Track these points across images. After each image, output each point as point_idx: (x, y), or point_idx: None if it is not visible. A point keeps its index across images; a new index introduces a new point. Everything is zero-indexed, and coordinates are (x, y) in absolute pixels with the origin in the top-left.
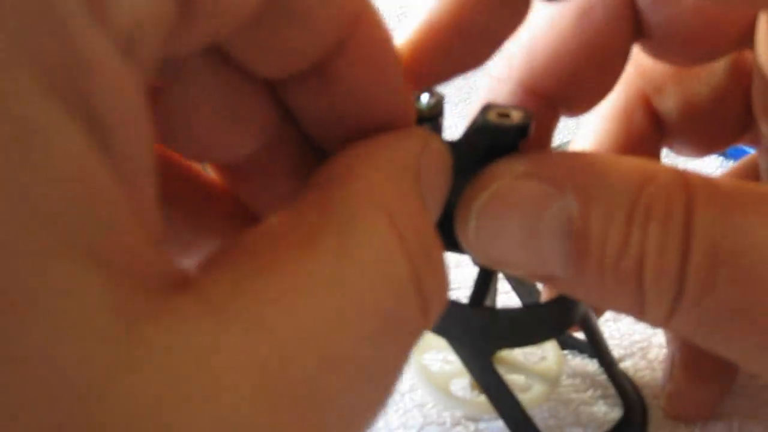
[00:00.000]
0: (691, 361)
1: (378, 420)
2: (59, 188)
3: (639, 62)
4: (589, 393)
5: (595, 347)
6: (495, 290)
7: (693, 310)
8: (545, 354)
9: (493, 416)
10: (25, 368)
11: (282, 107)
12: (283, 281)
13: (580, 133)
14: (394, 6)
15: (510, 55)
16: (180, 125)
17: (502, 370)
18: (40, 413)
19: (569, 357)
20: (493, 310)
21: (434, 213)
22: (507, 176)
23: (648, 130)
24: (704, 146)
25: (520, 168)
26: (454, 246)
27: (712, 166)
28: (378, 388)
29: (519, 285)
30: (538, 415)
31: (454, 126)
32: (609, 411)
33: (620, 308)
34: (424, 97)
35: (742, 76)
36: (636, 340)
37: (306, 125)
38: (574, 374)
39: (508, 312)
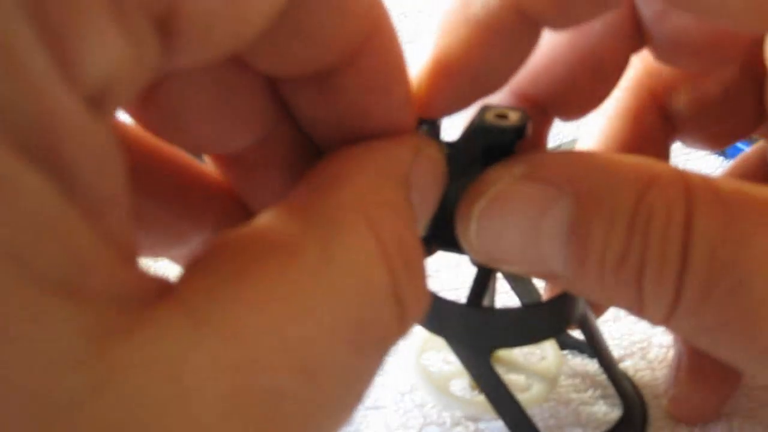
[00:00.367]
0: (698, 363)
1: (378, 420)
2: (22, 228)
3: (648, 61)
4: (589, 393)
5: (594, 347)
6: (493, 290)
7: (690, 316)
8: (545, 354)
9: (493, 416)
10: None
11: (281, 101)
12: (262, 287)
13: (586, 131)
14: (395, 7)
15: None
16: (175, 117)
17: (501, 370)
18: None
19: (569, 357)
20: (491, 310)
21: (424, 219)
22: (507, 178)
23: (657, 129)
24: (716, 140)
25: (519, 170)
26: (454, 246)
27: (712, 166)
28: (350, 395)
29: (518, 285)
30: (537, 414)
31: (453, 126)
32: (609, 411)
33: (620, 306)
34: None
35: (755, 70)
36: (636, 340)
37: (304, 123)
38: (574, 374)
39: (507, 312)
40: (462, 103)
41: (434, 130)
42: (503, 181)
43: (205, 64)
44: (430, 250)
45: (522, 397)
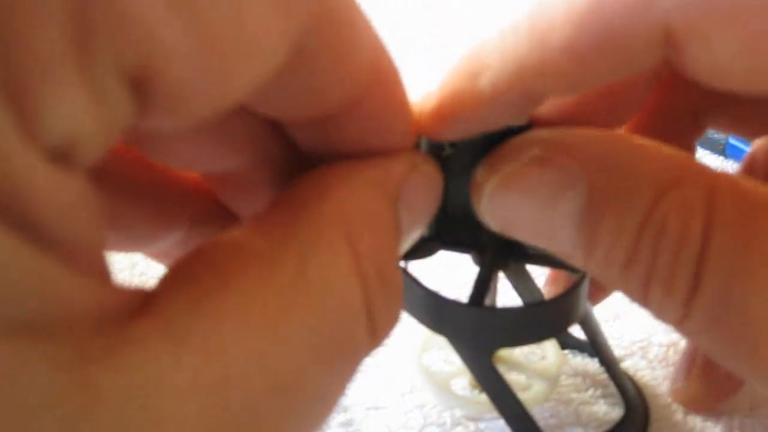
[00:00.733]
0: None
1: (378, 420)
2: None
3: None
4: (590, 392)
5: (596, 346)
6: (495, 290)
7: (698, 332)
8: (545, 353)
9: (494, 416)
10: None
11: (273, 125)
12: (241, 301)
13: None
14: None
15: None
16: (160, 144)
17: (502, 370)
18: None
19: (570, 356)
20: (492, 309)
21: (413, 234)
22: (522, 159)
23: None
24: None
25: (534, 151)
26: (456, 245)
27: (712, 166)
28: (321, 408)
29: (520, 284)
30: (538, 414)
31: None
32: (609, 410)
33: (627, 296)
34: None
35: None
36: (636, 340)
37: (300, 145)
38: (575, 374)
39: (508, 311)
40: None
41: None
42: (518, 161)
43: (185, 127)
44: (431, 250)
45: (522, 397)
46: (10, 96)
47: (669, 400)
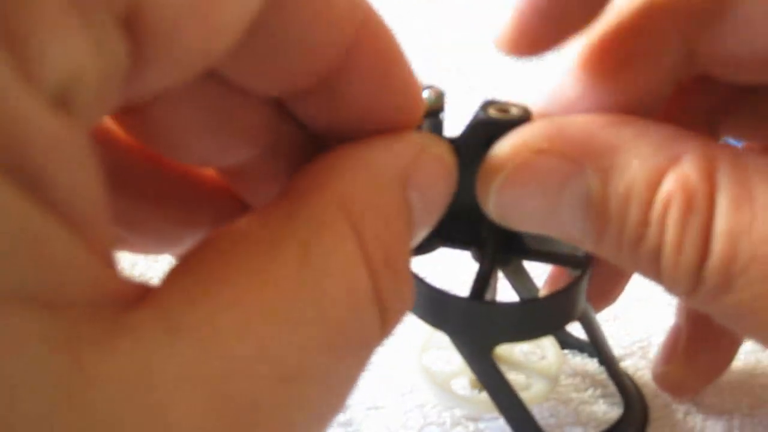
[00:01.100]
0: (696, 345)
1: (378, 420)
2: None
3: None
4: (589, 392)
5: (595, 343)
6: (495, 287)
7: (710, 302)
8: (545, 353)
9: (494, 416)
10: None
11: (282, 110)
12: (241, 290)
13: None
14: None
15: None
16: (169, 136)
17: (502, 369)
18: None
19: (569, 356)
20: (492, 303)
21: (431, 221)
22: (526, 151)
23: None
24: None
25: (538, 142)
26: (455, 242)
27: None
28: (330, 400)
29: (519, 283)
30: (537, 414)
31: (455, 122)
32: (609, 410)
33: (642, 275)
34: (425, 93)
35: None
36: (636, 340)
37: (309, 126)
38: (574, 373)
39: (508, 305)
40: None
41: (437, 125)
42: (521, 154)
43: (183, 78)
44: (431, 246)
45: (522, 396)
46: (7, 39)
47: (669, 399)
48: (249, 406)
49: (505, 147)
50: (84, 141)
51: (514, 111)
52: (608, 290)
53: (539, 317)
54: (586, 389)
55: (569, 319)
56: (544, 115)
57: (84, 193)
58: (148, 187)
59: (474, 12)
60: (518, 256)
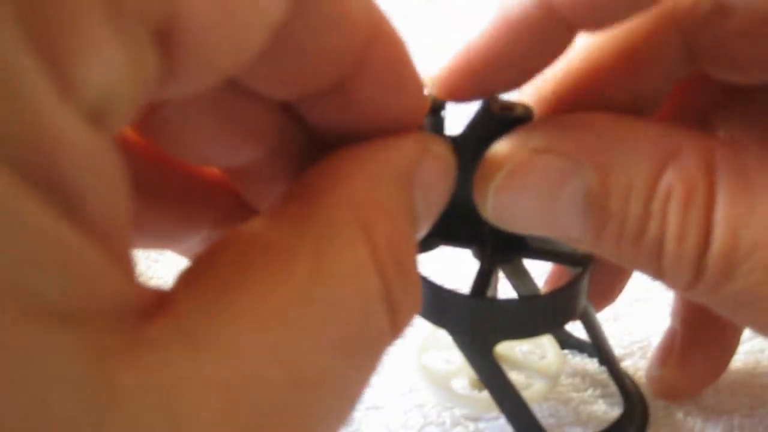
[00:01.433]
0: (691, 348)
1: (378, 420)
2: (21, 256)
3: None
4: (589, 392)
5: (595, 342)
6: (496, 286)
7: (711, 293)
8: (545, 353)
9: (494, 416)
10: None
11: (289, 111)
12: (255, 297)
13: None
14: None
15: None
16: (177, 135)
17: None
18: None
19: (569, 356)
20: (493, 300)
21: (430, 219)
22: (524, 151)
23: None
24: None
25: (535, 142)
26: (455, 241)
27: None
28: (344, 402)
29: (519, 282)
30: (538, 413)
31: (455, 121)
32: (609, 410)
33: (641, 272)
34: (426, 91)
35: None
36: (636, 340)
37: (315, 127)
38: (574, 373)
39: (510, 302)
40: (480, 92)
41: (438, 123)
42: (520, 153)
43: (206, 87)
44: (431, 245)
45: (522, 395)
46: (46, 54)
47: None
48: (267, 412)
49: (502, 147)
50: (114, 153)
51: (518, 108)
52: (608, 289)
53: (540, 314)
54: (586, 389)
55: (570, 316)
56: (545, 114)
57: (112, 205)
58: (150, 184)
59: (474, 12)
60: (519, 255)
